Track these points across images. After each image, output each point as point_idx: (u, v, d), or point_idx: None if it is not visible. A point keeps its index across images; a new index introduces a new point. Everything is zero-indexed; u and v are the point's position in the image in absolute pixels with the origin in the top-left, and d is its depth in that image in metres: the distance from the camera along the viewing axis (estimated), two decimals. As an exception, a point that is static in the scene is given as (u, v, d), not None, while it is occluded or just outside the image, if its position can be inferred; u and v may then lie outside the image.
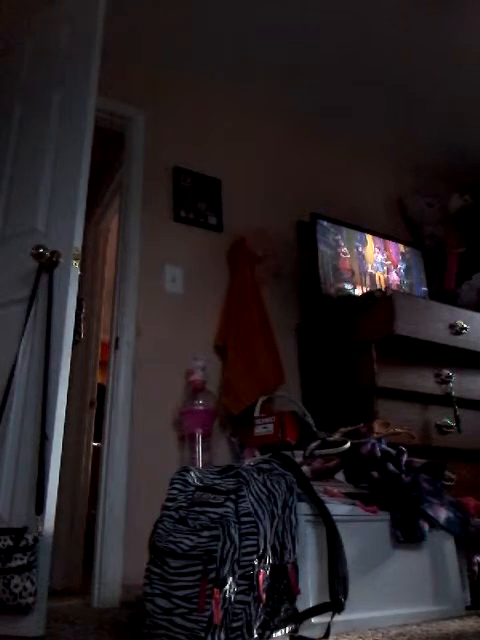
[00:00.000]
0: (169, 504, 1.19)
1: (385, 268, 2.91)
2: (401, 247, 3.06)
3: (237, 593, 1.06)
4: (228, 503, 1.13)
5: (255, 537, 1.10)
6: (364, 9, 2.59)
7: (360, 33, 2.72)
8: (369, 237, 2.92)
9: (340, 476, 1.68)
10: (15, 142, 2.08)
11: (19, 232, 1.86)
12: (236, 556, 1.07)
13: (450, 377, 2.30)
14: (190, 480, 1.24)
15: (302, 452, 1.78)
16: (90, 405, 3.03)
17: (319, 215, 2.76)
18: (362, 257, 2.83)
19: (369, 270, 2.82)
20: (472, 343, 2.40)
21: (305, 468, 1.63)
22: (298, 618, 1.18)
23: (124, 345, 2.28)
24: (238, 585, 1.06)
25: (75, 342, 1.65)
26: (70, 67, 1.98)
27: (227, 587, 1.03)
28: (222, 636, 1.01)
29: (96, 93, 1.91)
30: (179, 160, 2.78)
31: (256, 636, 1.07)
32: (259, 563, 1.10)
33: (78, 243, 1.72)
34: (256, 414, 2.18)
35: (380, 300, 2.28)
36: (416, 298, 2.57)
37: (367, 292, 2.50)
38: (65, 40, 2.05)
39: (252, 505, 1.15)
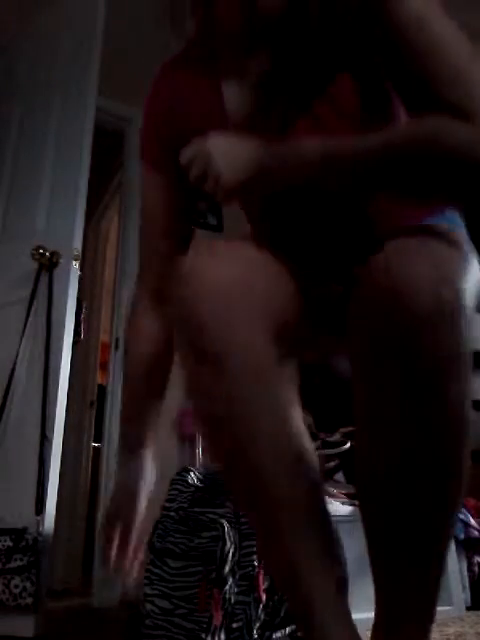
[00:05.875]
0: (169, 504, 1.18)
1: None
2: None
3: (237, 593, 1.06)
4: (228, 503, 1.13)
5: (255, 537, 1.10)
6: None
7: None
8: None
9: (340, 476, 1.68)
10: (15, 142, 2.08)
11: (19, 232, 1.86)
12: (236, 557, 1.07)
13: (450, 377, 2.30)
14: (190, 480, 1.24)
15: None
16: (90, 405, 3.02)
17: (319, 215, 2.76)
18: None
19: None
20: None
21: (305, 468, 1.62)
22: (298, 618, 1.18)
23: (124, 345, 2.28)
24: (238, 585, 1.06)
25: (75, 342, 1.65)
26: (70, 67, 1.99)
27: (227, 588, 1.03)
28: (222, 637, 1.01)
29: (96, 93, 1.91)
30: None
31: (256, 636, 1.07)
32: (259, 563, 1.10)
33: (78, 243, 1.72)
34: (256, 414, 2.17)
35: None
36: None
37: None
38: (65, 40, 2.05)
39: (252, 505, 1.14)
